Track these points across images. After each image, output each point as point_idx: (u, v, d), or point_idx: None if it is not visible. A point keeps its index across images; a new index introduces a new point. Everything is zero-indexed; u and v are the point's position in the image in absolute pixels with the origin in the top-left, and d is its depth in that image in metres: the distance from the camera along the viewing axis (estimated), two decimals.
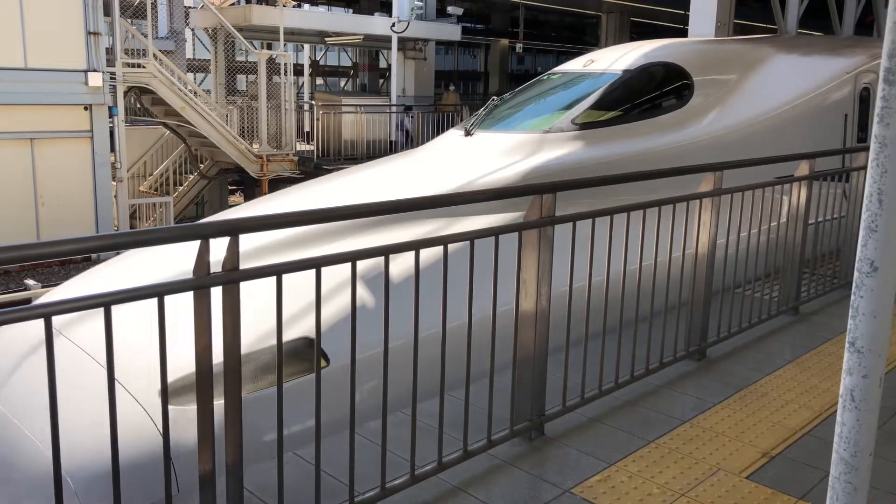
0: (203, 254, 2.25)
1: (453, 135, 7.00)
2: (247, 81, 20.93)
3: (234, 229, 2.31)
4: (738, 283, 4.93)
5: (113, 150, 12.44)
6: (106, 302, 2.06)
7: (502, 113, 7.20)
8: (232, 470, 2.45)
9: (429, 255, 2.92)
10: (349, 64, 32.37)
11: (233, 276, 2.30)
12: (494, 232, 3.11)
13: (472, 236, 3.02)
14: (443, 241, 2.91)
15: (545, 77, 8.05)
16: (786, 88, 7.52)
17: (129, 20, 13.50)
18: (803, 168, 5.18)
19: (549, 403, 3.52)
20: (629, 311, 3.91)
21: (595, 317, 3.65)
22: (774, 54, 8.02)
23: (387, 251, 2.72)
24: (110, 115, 12.07)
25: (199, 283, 2.25)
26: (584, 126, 6.45)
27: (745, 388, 4.13)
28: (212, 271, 2.27)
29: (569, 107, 6.76)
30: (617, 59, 7.37)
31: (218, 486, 2.44)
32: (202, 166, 16.81)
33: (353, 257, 2.61)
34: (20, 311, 1.92)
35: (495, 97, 8.19)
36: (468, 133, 6.75)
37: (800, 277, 5.52)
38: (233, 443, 2.44)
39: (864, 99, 8.20)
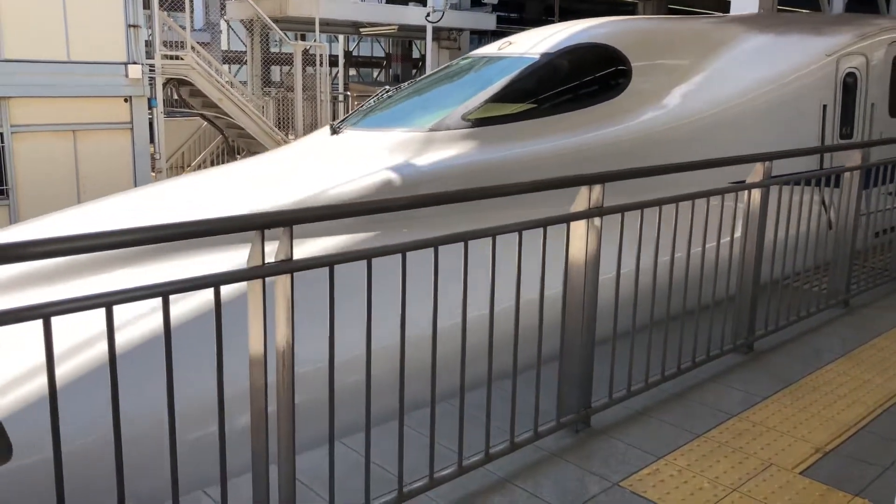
0: (258, 244, 2.25)
1: (320, 133, 5.98)
2: (281, 73, 21.08)
3: (290, 220, 2.31)
4: (786, 274, 4.82)
5: (152, 141, 12.61)
6: (164, 291, 2.08)
7: (388, 106, 6.11)
8: (285, 459, 2.46)
9: (472, 246, 2.87)
10: (382, 55, 32.39)
11: (288, 266, 2.31)
12: (542, 223, 3.08)
13: (520, 227, 2.99)
14: (492, 232, 2.89)
15: (455, 62, 6.93)
16: (749, 75, 6.37)
17: (166, 12, 13.64)
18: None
19: (595, 395, 3.49)
20: (676, 304, 3.85)
21: (642, 309, 3.59)
22: (741, 35, 6.84)
23: (436, 242, 2.71)
24: (149, 107, 12.22)
25: (255, 273, 2.25)
26: (479, 122, 5.23)
27: (795, 383, 4.05)
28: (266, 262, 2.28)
29: (466, 99, 5.56)
30: (539, 40, 6.22)
31: (270, 475, 2.45)
32: (239, 157, 16.98)
33: (402, 249, 2.60)
34: (18, 311, 1.86)
35: (388, 87, 7.09)
36: (335, 131, 5.66)
37: (850, 270, 5.38)
38: (286, 433, 2.45)
39: (849, 87, 6.93)
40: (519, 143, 5.21)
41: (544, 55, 5.91)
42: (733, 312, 4.35)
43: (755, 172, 4.25)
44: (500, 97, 5.54)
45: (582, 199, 3.25)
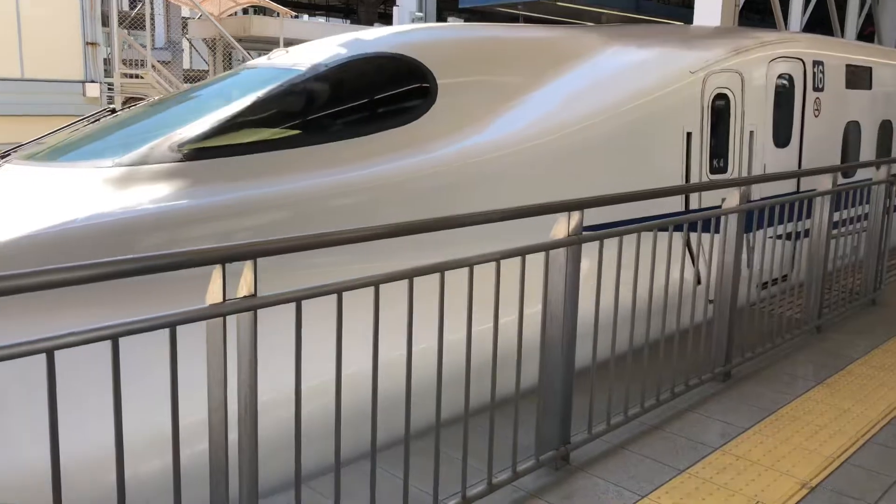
0: (218, 280, 2.07)
1: None
2: None
3: (255, 252, 2.14)
4: (758, 298, 4.75)
5: None
6: (114, 334, 1.88)
7: (101, 131, 4.79)
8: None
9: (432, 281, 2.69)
10: None
11: (251, 303, 2.13)
12: (521, 252, 2.94)
13: (497, 257, 2.85)
14: (468, 262, 2.75)
15: (220, 76, 5.71)
16: (591, 96, 5.28)
17: (126, 31, 13.35)
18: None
19: (574, 429, 3.35)
20: (653, 333, 3.74)
21: (620, 338, 3.48)
22: (587, 49, 5.75)
23: (411, 274, 2.55)
24: None
25: (215, 311, 2.07)
26: (193, 155, 3.93)
27: (775, 413, 3.96)
28: (227, 298, 2.10)
29: (190, 122, 4.27)
30: (325, 48, 5.11)
31: None
32: None
33: (375, 282, 2.44)
34: (20, 346, 1.74)
35: (111, 107, 5.74)
36: None
37: (822, 294, 5.36)
38: (248, 482, 2.26)
39: (720, 111, 5.89)
40: (244, 182, 3.88)
41: (313, 67, 4.69)
42: (709, 340, 4.26)
43: (730, 197, 4.18)
44: (236, 121, 4.27)
45: (561, 226, 3.13)
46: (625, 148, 5.24)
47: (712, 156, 5.83)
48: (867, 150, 8.07)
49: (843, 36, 15.72)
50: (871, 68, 8.03)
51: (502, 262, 2.83)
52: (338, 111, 4.69)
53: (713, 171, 5.86)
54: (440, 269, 2.65)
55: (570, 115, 5.07)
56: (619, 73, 5.62)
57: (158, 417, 2.24)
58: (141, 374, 2.54)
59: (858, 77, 7.81)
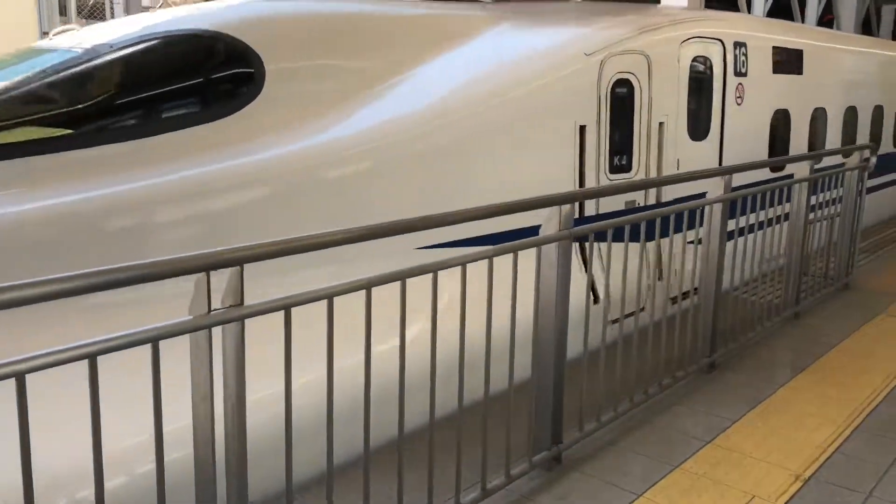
0: (202, 289, 1.94)
1: None
2: None
3: (241, 259, 2.01)
4: (736, 285, 4.74)
5: None
6: (91, 353, 1.75)
7: None
8: None
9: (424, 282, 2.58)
10: None
11: (239, 313, 2.00)
12: (513, 248, 2.86)
13: (489, 254, 2.76)
14: (462, 260, 2.65)
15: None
16: (463, 85, 4.44)
17: (84, 20, 12.94)
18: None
19: (563, 428, 3.28)
20: (640, 326, 3.70)
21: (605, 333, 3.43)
22: (459, 28, 4.89)
23: (402, 276, 2.45)
24: None
25: (201, 322, 1.94)
26: None
27: (762, 403, 3.94)
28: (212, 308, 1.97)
29: None
30: (119, 27, 4.24)
31: None
32: None
33: (367, 285, 2.33)
34: None
35: None
36: None
37: (799, 279, 5.38)
38: (237, 499, 2.14)
39: (622, 99, 5.05)
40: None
41: (92, 50, 3.84)
42: (693, 330, 4.23)
43: (720, 190, 4.14)
44: None
45: (552, 221, 3.05)
46: (499, 147, 4.43)
47: (612, 153, 5.01)
48: (799, 141, 7.39)
49: (803, 23, 15.79)
50: (801, 51, 7.32)
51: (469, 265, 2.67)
52: (117, 104, 3.72)
53: (613, 170, 5.03)
54: (432, 269, 2.56)
55: (434, 110, 4.18)
56: (500, 57, 4.78)
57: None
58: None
59: (788, 61, 7.12)
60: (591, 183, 4.81)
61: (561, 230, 3.06)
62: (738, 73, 6.23)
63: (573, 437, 3.32)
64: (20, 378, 1.65)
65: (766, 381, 4.24)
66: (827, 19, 18.98)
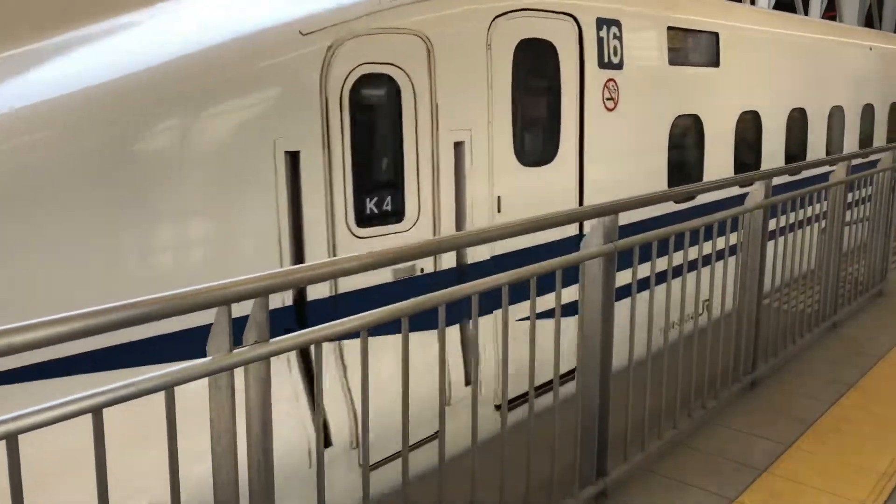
0: (224, 326, 1.66)
1: None
2: None
3: (265, 289, 1.73)
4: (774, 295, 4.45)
5: None
6: (96, 406, 1.47)
7: None
8: None
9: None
10: None
11: (265, 351, 1.73)
12: (555, 267, 2.59)
13: (532, 273, 2.49)
14: (499, 282, 2.38)
15: None
16: (74, 87, 2.75)
17: None
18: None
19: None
20: (683, 343, 3.43)
21: (651, 352, 3.15)
22: None
23: (442, 300, 2.18)
24: None
25: (222, 363, 1.66)
26: None
27: (815, 423, 3.67)
28: (234, 348, 1.69)
29: None
30: None
31: None
32: None
33: (405, 313, 2.06)
34: None
35: None
36: None
37: (837, 286, 5.11)
38: None
39: (375, 105, 3.48)
40: None
41: None
42: (736, 345, 3.95)
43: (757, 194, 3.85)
44: None
45: (595, 235, 2.78)
46: (111, 192, 2.70)
47: (362, 193, 3.35)
48: (717, 161, 5.71)
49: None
50: (717, 35, 5.64)
51: None
52: None
53: (367, 220, 3.39)
54: (471, 291, 2.28)
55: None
56: (149, 43, 3.02)
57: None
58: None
59: (694, 48, 5.50)
60: (317, 252, 3.15)
61: (605, 244, 2.78)
62: (606, 65, 4.53)
63: (618, 466, 3.05)
64: (12, 441, 1.38)
65: (813, 399, 3.97)
66: (828, 16, 18.76)
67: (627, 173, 4.84)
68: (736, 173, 5.78)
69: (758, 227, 3.93)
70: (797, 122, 6.94)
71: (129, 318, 1.53)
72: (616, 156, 4.72)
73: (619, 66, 4.63)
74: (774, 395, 4.03)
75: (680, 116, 5.19)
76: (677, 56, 5.19)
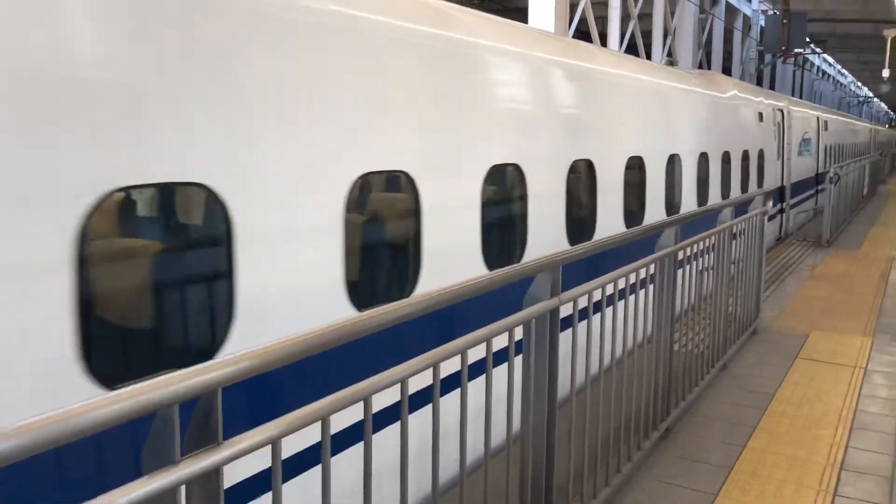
0: (170, 429, 1.30)
1: None
2: None
3: (220, 379, 1.39)
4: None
5: None
6: None
7: None
8: None
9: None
10: None
11: (218, 458, 1.37)
12: (508, 326, 2.39)
13: (487, 336, 2.27)
14: (460, 347, 2.15)
15: None
16: None
17: None
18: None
19: None
20: (613, 394, 3.32)
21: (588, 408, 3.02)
22: None
23: (435, 360, 1.92)
24: None
25: (163, 482, 1.29)
26: None
27: (732, 471, 3.68)
28: (179, 455, 1.33)
29: None
30: None
31: None
32: None
33: (402, 378, 1.78)
34: None
35: None
36: None
37: (725, 327, 5.27)
38: None
39: None
40: None
41: None
42: (655, 392, 3.91)
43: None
44: None
45: (541, 287, 2.61)
46: None
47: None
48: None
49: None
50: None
51: None
52: None
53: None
54: (434, 360, 2.03)
55: None
56: None
57: None
58: None
59: None
60: None
61: (551, 297, 2.62)
62: None
63: None
64: None
65: (725, 444, 4.00)
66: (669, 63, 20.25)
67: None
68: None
69: (669, 270, 3.95)
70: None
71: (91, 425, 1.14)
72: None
73: None
74: (687, 441, 4.03)
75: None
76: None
